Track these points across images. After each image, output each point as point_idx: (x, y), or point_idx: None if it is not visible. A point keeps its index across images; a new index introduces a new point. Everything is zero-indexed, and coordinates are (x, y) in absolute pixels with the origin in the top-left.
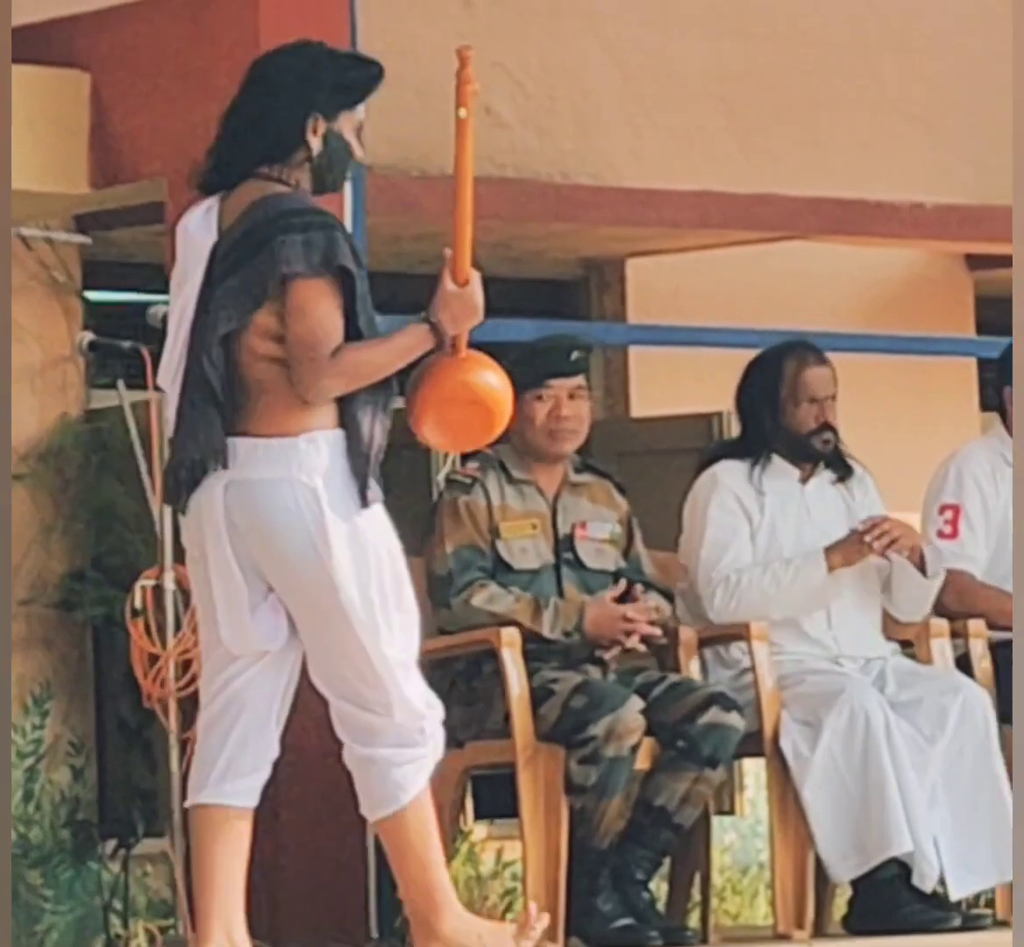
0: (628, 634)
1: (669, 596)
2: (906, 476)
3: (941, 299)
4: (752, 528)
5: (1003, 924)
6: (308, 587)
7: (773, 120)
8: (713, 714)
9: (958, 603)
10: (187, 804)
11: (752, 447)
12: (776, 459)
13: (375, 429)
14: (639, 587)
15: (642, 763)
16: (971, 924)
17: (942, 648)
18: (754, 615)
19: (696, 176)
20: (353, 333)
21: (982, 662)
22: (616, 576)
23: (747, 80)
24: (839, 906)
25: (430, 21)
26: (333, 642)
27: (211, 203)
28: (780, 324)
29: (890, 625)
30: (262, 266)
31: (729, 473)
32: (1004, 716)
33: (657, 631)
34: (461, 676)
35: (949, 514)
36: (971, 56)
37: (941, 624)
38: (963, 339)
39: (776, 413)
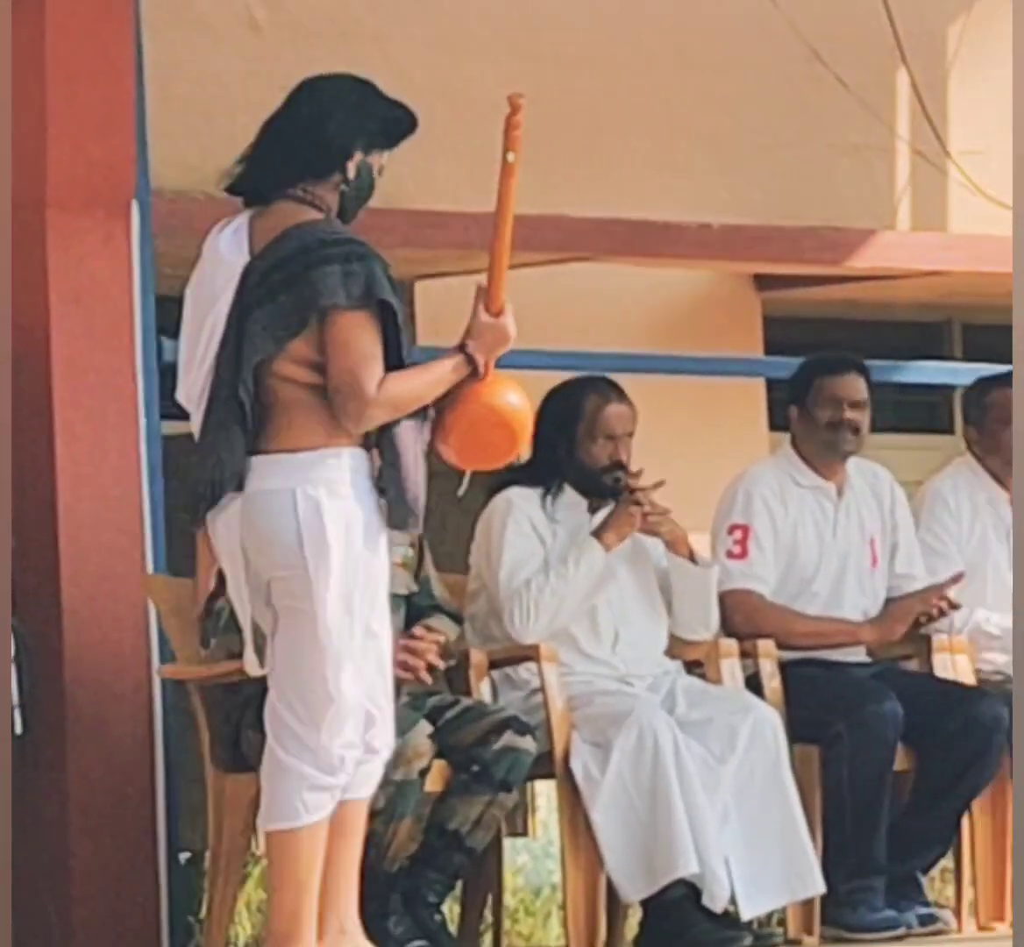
0: (416, 665)
1: (458, 619)
2: (695, 497)
3: (729, 319)
4: (545, 553)
5: (794, 943)
6: (291, 590)
7: (561, 141)
8: (507, 738)
9: (747, 623)
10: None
11: (543, 476)
12: (567, 489)
13: (419, 454)
14: (419, 629)
15: (434, 786)
16: (762, 943)
17: (732, 668)
18: (556, 621)
19: (484, 198)
20: (393, 364)
21: (772, 682)
22: (408, 600)
23: (535, 101)
24: (631, 927)
25: (217, 44)
26: (300, 648)
27: (240, 223)
28: (569, 345)
29: (680, 646)
30: (301, 296)
31: (523, 498)
32: (794, 736)
33: (441, 663)
34: (254, 700)
35: (738, 534)
36: (758, 77)
37: (730, 644)
38: (752, 359)
39: (571, 446)
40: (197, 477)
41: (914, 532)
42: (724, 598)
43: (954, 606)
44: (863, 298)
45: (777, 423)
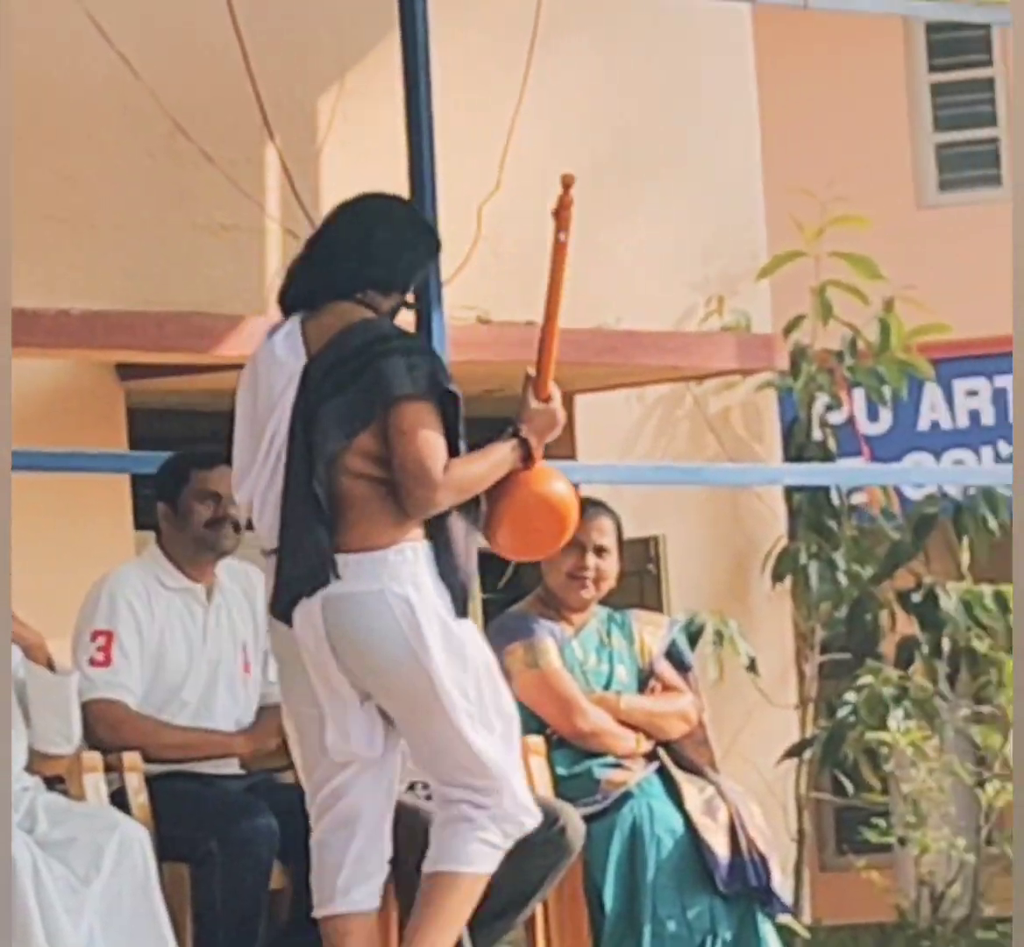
0: None
1: None
2: (57, 600)
3: (90, 411)
4: None
5: None
6: (408, 691)
7: None
8: None
9: (112, 735)
10: (317, 914)
11: None
12: None
13: (469, 541)
14: None
15: None
16: None
17: (96, 783)
18: None
19: None
20: (453, 451)
21: (138, 797)
22: None
23: None
24: None
25: None
26: (437, 740)
27: (291, 327)
28: None
29: (40, 761)
30: (368, 388)
31: None
32: (164, 854)
33: None
34: None
35: (101, 640)
36: (116, 152)
37: (93, 757)
38: (116, 454)
39: None
40: (287, 575)
41: None
42: (87, 708)
43: None
44: (234, 387)
45: (143, 522)
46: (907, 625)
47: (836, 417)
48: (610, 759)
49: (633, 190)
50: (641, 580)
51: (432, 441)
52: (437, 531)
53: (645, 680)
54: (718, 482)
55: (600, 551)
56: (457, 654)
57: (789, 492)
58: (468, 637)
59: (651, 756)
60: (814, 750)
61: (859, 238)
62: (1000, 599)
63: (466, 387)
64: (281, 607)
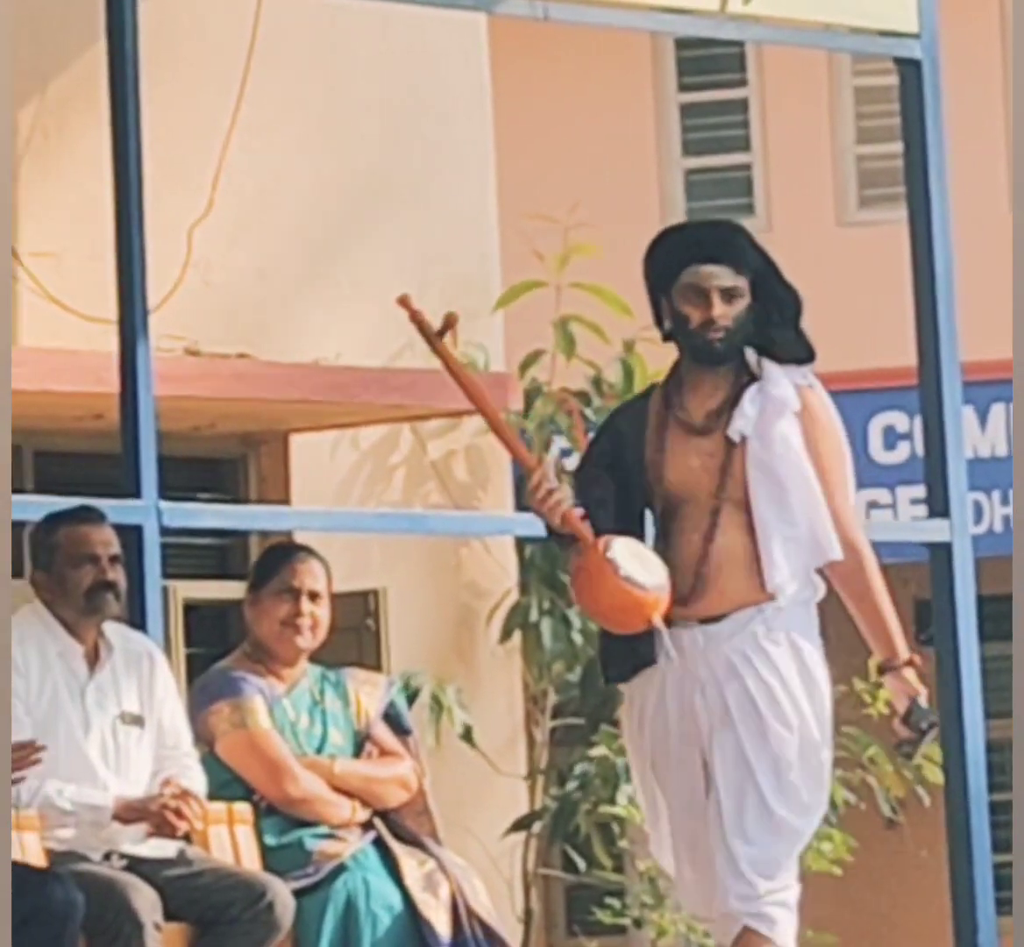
0: None
1: None
2: None
3: None
4: None
5: None
6: None
7: None
8: None
9: None
10: None
11: None
12: None
13: None
14: None
15: None
16: None
17: None
18: None
19: None
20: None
21: None
22: None
23: None
24: None
25: None
26: None
27: None
28: None
29: None
30: None
31: None
32: None
33: None
34: None
35: None
36: None
37: None
38: None
39: None
40: None
41: None
42: None
43: None
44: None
45: None
46: None
47: (574, 463)
48: (323, 829)
49: (355, 215)
50: (359, 636)
51: None
52: None
53: (361, 744)
54: (444, 532)
55: (314, 596)
56: None
57: (520, 543)
58: None
59: (367, 826)
60: (543, 823)
61: (603, 268)
62: None
63: (173, 424)
64: None
